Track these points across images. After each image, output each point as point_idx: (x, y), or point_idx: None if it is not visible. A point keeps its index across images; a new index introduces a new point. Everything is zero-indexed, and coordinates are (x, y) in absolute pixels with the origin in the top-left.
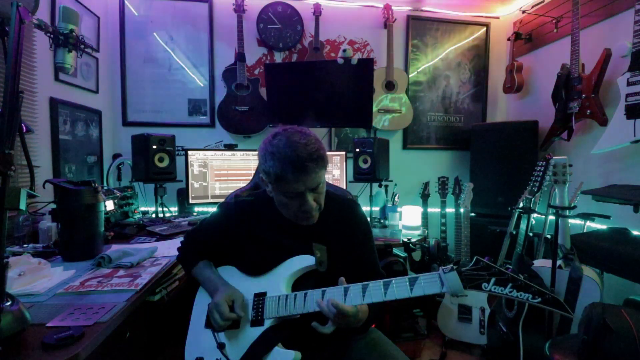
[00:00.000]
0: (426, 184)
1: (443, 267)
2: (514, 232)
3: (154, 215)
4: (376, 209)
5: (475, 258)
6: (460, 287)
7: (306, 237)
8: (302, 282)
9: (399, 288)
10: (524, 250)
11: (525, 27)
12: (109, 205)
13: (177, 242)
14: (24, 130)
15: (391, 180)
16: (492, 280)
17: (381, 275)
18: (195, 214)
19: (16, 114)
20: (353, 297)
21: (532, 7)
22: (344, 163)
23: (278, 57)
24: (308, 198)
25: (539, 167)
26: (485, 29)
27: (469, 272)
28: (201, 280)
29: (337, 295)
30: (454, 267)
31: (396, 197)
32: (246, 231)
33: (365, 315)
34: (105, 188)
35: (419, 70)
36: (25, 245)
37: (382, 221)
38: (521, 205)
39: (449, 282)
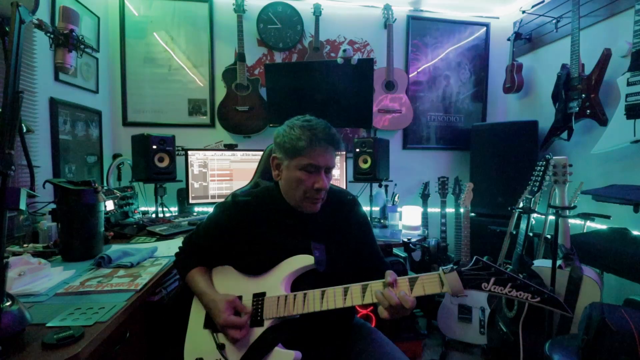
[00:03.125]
0: (426, 184)
1: (443, 267)
2: (514, 232)
3: (154, 215)
4: (376, 209)
5: (474, 258)
6: (461, 287)
7: (305, 236)
8: (301, 282)
9: (399, 288)
10: (524, 250)
11: (525, 27)
12: (109, 205)
13: (177, 242)
14: (24, 130)
15: (391, 180)
16: (492, 280)
17: (386, 265)
18: (195, 214)
19: (16, 114)
20: (353, 297)
21: (532, 7)
22: (344, 163)
23: (278, 57)
24: (324, 175)
25: (539, 167)
26: (485, 29)
27: (468, 272)
28: (194, 290)
29: (336, 295)
30: (454, 267)
31: (396, 197)
32: (244, 231)
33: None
34: (105, 188)
35: (419, 70)
36: (25, 245)
37: (382, 221)
38: (521, 205)
39: (449, 282)
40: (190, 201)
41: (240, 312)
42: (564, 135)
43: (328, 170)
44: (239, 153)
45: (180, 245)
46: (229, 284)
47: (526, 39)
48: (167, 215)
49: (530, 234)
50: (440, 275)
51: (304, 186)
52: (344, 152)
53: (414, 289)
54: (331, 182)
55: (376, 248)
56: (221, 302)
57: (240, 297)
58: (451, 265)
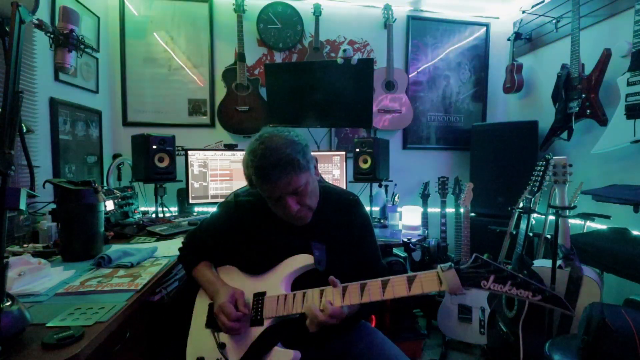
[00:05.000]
0: (426, 184)
1: (441, 265)
2: (514, 232)
3: (154, 215)
4: (376, 209)
5: (474, 255)
6: (459, 285)
7: (305, 236)
8: (301, 281)
9: (397, 287)
10: (524, 250)
11: (525, 27)
12: (109, 205)
13: (177, 242)
14: (24, 130)
15: (391, 180)
16: (491, 277)
17: (382, 267)
18: (195, 214)
19: (16, 114)
20: (351, 296)
21: (532, 7)
22: (344, 163)
23: (278, 57)
24: (288, 202)
25: (539, 167)
26: (485, 29)
27: (467, 270)
28: (201, 281)
29: (334, 294)
30: (452, 265)
31: (396, 197)
32: (246, 230)
33: (349, 311)
34: (105, 188)
35: (419, 70)
36: (25, 245)
37: (382, 221)
38: (521, 205)
39: (447, 280)
40: (190, 201)
41: (239, 307)
42: (564, 135)
43: (293, 194)
44: (239, 153)
45: (184, 240)
46: (231, 283)
47: (526, 39)
48: (167, 215)
49: (530, 234)
50: (439, 273)
51: (280, 213)
52: (344, 152)
53: (412, 288)
54: (332, 182)
55: (374, 250)
56: (227, 290)
57: None
58: (450, 263)
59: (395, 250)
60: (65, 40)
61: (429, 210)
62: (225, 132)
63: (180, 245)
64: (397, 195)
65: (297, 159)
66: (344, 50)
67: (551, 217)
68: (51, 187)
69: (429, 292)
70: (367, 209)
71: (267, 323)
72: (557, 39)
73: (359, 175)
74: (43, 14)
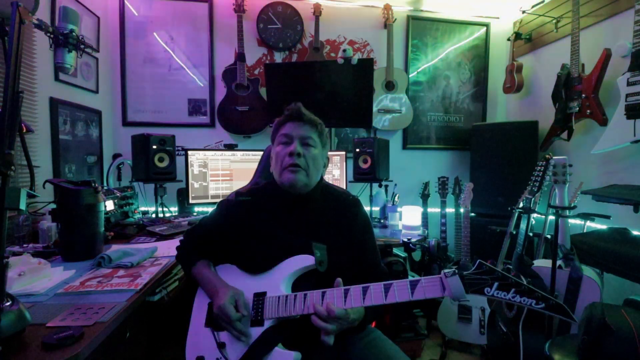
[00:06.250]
0: (426, 184)
1: (445, 271)
2: (514, 232)
3: (154, 215)
4: (376, 209)
5: (478, 262)
6: (462, 292)
7: (306, 236)
8: (301, 282)
9: (399, 291)
10: (524, 250)
11: (525, 27)
12: (109, 205)
13: (177, 242)
14: (24, 130)
15: (391, 180)
16: (495, 284)
17: (382, 272)
18: (195, 214)
19: (16, 114)
20: (353, 299)
21: (532, 7)
22: (344, 163)
23: (278, 57)
24: (294, 143)
25: (539, 167)
26: (485, 29)
27: (471, 277)
28: (200, 280)
29: (336, 297)
30: (456, 271)
31: (396, 197)
32: (246, 229)
33: (359, 315)
34: (105, 188)
35: (419, 70)
36: (25, 245)
37: (382, 221)
38: (521, 205)
39: (450, 286)
40: (190, 201)
41: (239, 308)
42: (564, 135)
43: (302, 142)
44: (239, 153)
45: (182, 239)
46: (231, 282)
47: (526, 39)
48: (167, 215)
49: (530, 234)
50: (442, 279)
51: (280, 157)
52: (344, 152)
53: (415, 293)
54: (332, 182)
55: (374, 253)
56: (227, 290)
57: None
58: (453, 269)
59: (395, 250)
60: (65, 40)
61: (429, 210)
62: (225, 132)
63: (178, 244)
64: (397, 195)
65: (322, 127)
66: (344, 50)
67: (551, 217)
68: (51, 187)
69: (432, 298)
70: (367, 209)
71: (267, 324)
72: (557, 39)
73: (359, 175)
74: (43, 14)
